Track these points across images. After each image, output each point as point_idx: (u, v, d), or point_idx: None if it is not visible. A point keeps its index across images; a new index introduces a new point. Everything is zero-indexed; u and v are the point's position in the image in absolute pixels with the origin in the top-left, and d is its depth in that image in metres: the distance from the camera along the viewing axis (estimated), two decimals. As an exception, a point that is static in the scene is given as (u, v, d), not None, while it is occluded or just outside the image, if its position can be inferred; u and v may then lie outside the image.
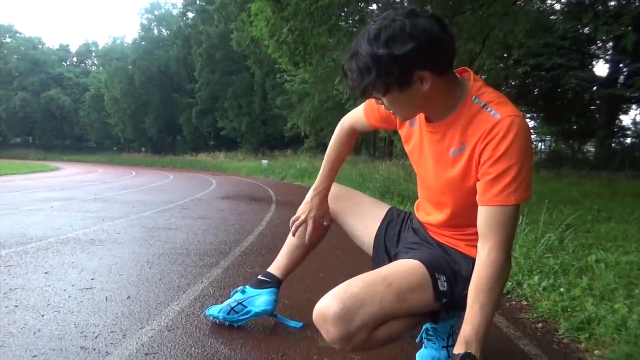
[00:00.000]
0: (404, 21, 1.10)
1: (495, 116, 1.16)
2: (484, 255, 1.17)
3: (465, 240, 1.36)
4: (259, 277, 1.81)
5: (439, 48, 1.13)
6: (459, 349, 1.15)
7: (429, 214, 1.46)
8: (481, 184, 1.19)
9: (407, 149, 1.45)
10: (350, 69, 1.17)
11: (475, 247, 1.29)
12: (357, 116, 1.61)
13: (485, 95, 1.21)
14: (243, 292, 1.80)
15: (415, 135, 1.38)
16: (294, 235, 1.71)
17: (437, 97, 1.21)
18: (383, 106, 1.26)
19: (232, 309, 1.78)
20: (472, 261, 1.31)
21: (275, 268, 1.80)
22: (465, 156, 1.23)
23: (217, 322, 1.80)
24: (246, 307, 1.77)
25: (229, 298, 1.85)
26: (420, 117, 1.35)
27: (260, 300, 1.76)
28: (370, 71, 1.12)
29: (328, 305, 1.23)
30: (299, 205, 1.71)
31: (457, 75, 1.25)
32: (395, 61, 1.10)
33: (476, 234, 1.25)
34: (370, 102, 1.51)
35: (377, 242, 1.58)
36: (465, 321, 1.17)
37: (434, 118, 1.29)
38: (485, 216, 1.18)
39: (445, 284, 1.31)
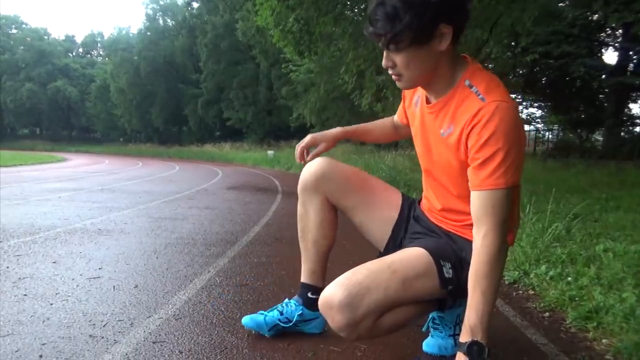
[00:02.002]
0: None
1: (482, 100, 1.17)
2: (480, 240, 1.18)
3: (471, 228, 1.34)
4: (310, 295, 1.61)
5: (463, 6, 1.18)
6: (465, 338, 1.16)
7: (431, 198, 1.45)
8: (470, 169, 1.20)
9: (412, 130, 1.46)
10: (376, 16, 1.15)
11: None
12: (395, 116, 1.67)
13: (477, 79, 1.21)
14: (301, 314, 1.62)
15: (417, 116, 1.40)
16: (300, 160, 1.61)
17: (443, 67, 1.22)
18: (390, 69, 1.23)
19: (283, 326, 1.62)
20: None
21: (319, 279, 1.63)
22: (452, 138, 1.24)
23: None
24: (297, 326, 1.63)
25: (275, 309, 1.65)
26: (422, 98, 1.36)
27: (315, 322, 1.65)
28: (401, 16, 1.11)
29: (333, 293, 1.24)
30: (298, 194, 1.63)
31: (460, 57, 1.26)
32: (427, 6, 1.10)
33: None
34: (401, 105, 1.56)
35: (398, 224, 1.51)
36: (468, 308, 1.18)
37: (432, 96, 1.30)
38: (477, 201, 1.19)
39: (451, 271, 1.30)
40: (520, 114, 1.17)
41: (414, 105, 1.43)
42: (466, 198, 1.28)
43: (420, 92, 1.39)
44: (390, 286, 1.25)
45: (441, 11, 1.12)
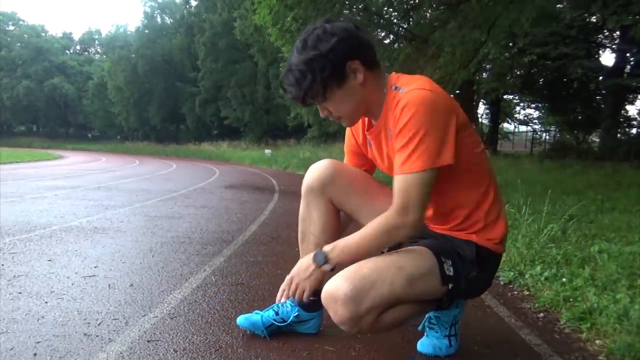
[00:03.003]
0: (323, 25, 1.26)
1: (400, 92, 1.26)
2: (387, 211, 1.28)
3: (462, 230, 1.38)
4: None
5: (360, 39, 1.28)
6: (325, 248, 1.35)
7: None
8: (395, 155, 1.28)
9: (376, 163, 1.52)
10: (288, 82, 1.29)
11: (475, 232, 1.35)
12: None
13: (400, 80, 1.31)
14: (297, 315, 1.61)
15: (374, 150, 1.47)
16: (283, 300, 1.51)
17: (371, 92, 1.31)
18: (329, 117, 1.35)
19: (278, 327, 1.62)
20: (474, 245, 1.34)
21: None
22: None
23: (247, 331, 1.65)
24: (291, 326, 1.63)
25: (271, 309, 1.64)
26: (365, 127, 1.46)
27: (311, 323, 1.64)
28: (306, 75, 1.24)
29: (338, 286, 1.25)
30: (301, 195, 1.61)
31: (384, 76, 1.35)
32: (326, 57, 1.23)
33: (467, 217, 1.34)
34: (346, 154, 1.62)
35: None
36: (346, 237, 1.34)
37: (374, 119, 1.39)
38: (395, 184, 1.27)
39: (451, 268, 1.32)
40: (443, 100, 1.23)
41: (368, 145, 1.50)
42: (440, 196, 1.35)
43: (361, 125, 1.48)
44: (396, 282, 1.26)
45: (339, 55, 1.24)
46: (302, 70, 1.25)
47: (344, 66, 1.25)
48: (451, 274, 1.31)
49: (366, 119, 1.46)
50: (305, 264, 1.41)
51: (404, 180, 1.23)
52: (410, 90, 1.23)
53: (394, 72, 1.37)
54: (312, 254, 1.39)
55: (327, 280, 1.33)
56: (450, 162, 1.22)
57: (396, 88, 1.29)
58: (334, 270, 1.34)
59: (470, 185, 1.34)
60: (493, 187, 1.38)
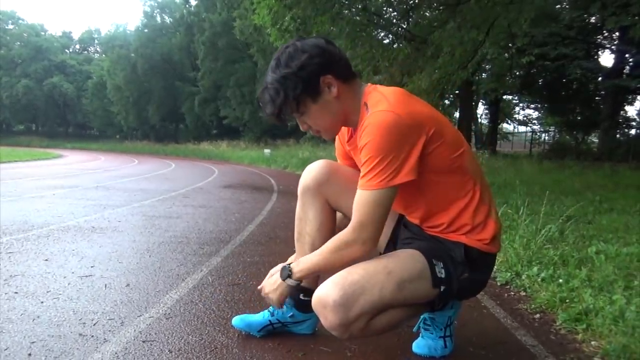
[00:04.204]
0: (295, 44, 1.31)
1: (367, 112, 1.28)
2: (347, 228, 1.30)
3: (451, 232, 1.37)
4: (302, 297, 1.58)
5: (330, 54, 1.31)
6: (293, 265, 1.40)
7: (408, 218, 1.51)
8: None
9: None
10: (264, 100, 1.33)
11: (464, 234, 1.35)
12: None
13: (371, 98, 1.31)
14: (292, 315, 1.62)
15: (355, 159, 1.48)
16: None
17: (348, 104, 1.34)
18: (310, 130, 1.39)
19: (273, 327, 1.64)
20: (462, 246, 1.34)
21: (312, 281, 1.57)
22: None
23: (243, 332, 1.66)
24: (287, 326, 1.64)
25: (266, 309, 1.65)
26: (345, 138, 1.50)
27: (306, 323, 1.65)
28: (279, 92, 1.28)
29: (327, 292, 1.24)
30: (298, 196, 1.60)
31: (361, 85, 1.37)
32: (297, 74, 1.27)
33: (453, 220, 1.34)
34: (338, 157, 1.65)
35: (397, 227, 1.54)
36: (308, 256, 1.39)
37: (353, 128, 1.42)
38: (355, 196, 1.30)
39: (443, 271, 1.32)
40: (407, 120, 1.22)
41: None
42: (417, 203, 1.38)
43: (346, 132, 1.51)
44: (386, 288, 1.26)
45: (310, 71, 1.27)
46: (276, 88, 1.29)
47: (318, 81, 1.29)
48: (443, 276, 1.31)
49: (350, 128, 1.47)
50: (274, 276, 1.47)
51: (360, 195, 1.27)
52: (374, 113, 1.24)
53: (370, 84, 1.38)
54: (281, 267, 1.45)
55: (320, 283, 1.33)
56: (408, 179, 1.24)
57: (367, 106, 1.30)
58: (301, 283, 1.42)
59: (451, 189, 1.34)
60: (479, 187, 1.36)
